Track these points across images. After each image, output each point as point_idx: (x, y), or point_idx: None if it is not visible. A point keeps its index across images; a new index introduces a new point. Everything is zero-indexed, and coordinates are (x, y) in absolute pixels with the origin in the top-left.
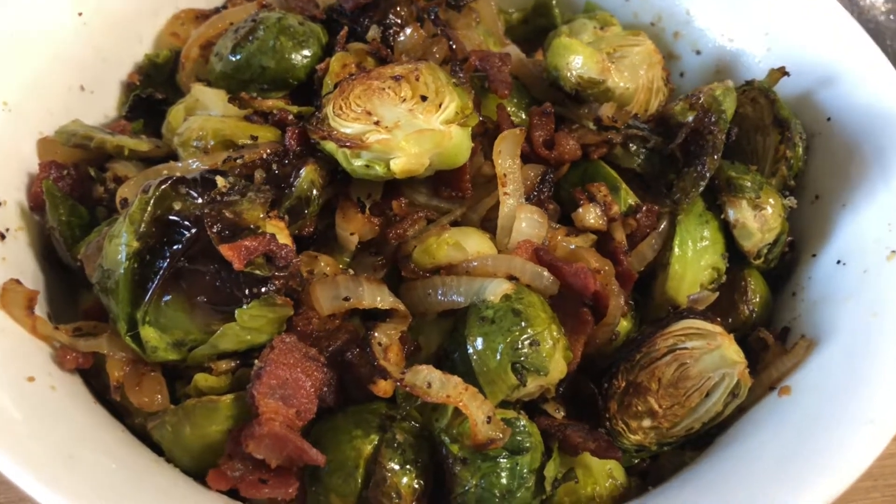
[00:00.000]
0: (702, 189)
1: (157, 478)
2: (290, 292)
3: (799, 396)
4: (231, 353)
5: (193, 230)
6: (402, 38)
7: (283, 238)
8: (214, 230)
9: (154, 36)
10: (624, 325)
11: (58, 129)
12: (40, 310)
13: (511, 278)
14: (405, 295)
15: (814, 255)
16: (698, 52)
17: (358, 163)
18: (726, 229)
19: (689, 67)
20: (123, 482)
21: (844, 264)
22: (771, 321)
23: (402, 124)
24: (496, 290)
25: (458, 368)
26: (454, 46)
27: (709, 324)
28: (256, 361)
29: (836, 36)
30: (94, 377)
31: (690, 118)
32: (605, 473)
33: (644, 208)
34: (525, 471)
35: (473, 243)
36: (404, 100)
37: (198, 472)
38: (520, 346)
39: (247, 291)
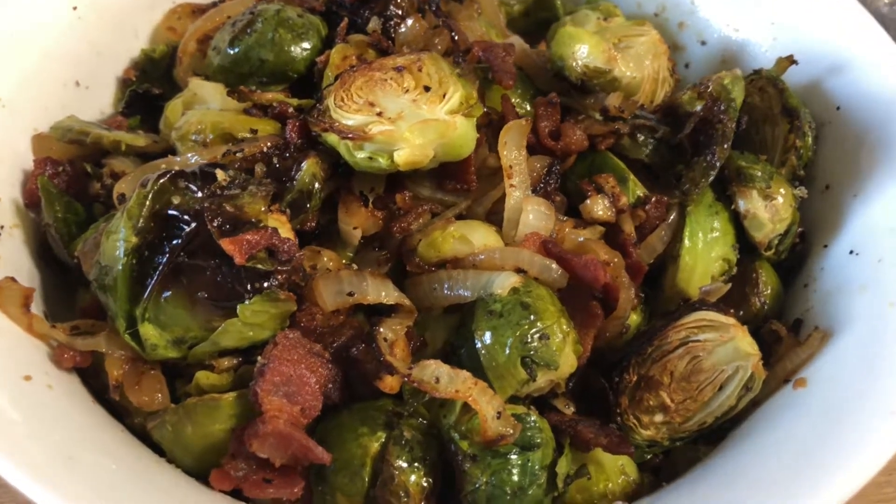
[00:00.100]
0: (712, 179)
1: (158, 478)
2: (293, 287)
3: (815, 389)
4: (233, 351)
5: (193, 225)
6: (403, 30)
7: (286, 232)
8: (215, 224)
9: (150, 30)
10: (634, 318)
11: (53, 125)
12: (36, 308)
13: (519, 271)
14: (410, 290)
15: (825, 246)
16: (703, 43)
17: (360, 155)
18: (736, 220)
19: (694, 58)
20: (124, 483)
21: (858, 254)
22: (783, 314)
23: (406, 115)
24: (504, 283)
25: (465, 364)
26: (456, 37)
27: (722, 315)
28: (259, 358)
29: (843, 23)
30: (92, 376)
31: (699, 107)
32: (617, 470)
33: (653, 199)
34: (536, 467)
35: (480, 236)
36: (407, 90)
37: (199, 473)
38: (529, 340)
39: (248, 286)
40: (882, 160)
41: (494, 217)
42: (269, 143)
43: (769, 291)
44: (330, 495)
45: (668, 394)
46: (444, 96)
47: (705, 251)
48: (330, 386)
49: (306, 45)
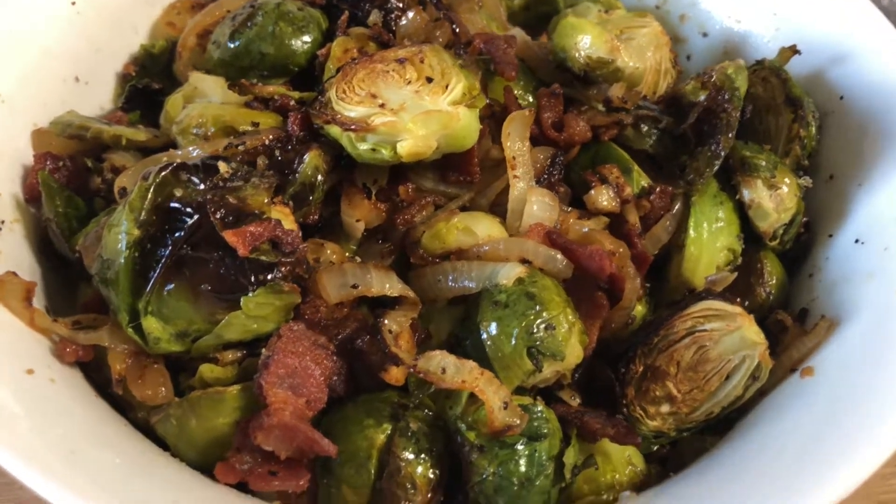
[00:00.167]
0: (716, 169)
1: (163, 471)
2: (297, 279)
3: (821, 378)
4: (237, 344)
5: (196, 217)
6: (404, 23)
7: (289, 224)
8: (218, 216)
9: (149, 26)
10: (639, 309)
11: (53, 120)
12: (37, 304)
13: (524, 262)
14: (414, 282)
15: (830, 236)
16: (705, 35)
17: (363, 147)
18: (741, 210)
19: (695, 50)
20: (129, 476)
21: (863, 243)
22: (788, 304)
23: (409, 106)
24: (509, 273)
25: (470, 356)
26: (457, 30)
27: (728, 305)
28: (264, 350)
29: (845, 13)
30: (94, 371)
31: (702, 97)
32: (624, 461)
33: (658, 189)
34: (544, 457)
35: (484, 227)
36: (409, 82)
37: (204, 467)
38: (535, 331)
39: (252, 278)
40: (886, 149)
41: (498, 209)
42: (270, 136)
43: (774, 282)
44: (336, 488)
45: (674, 384)
46: (446, 87)
47: (710, 241)
48: (335, 378)
49: (307, 38)
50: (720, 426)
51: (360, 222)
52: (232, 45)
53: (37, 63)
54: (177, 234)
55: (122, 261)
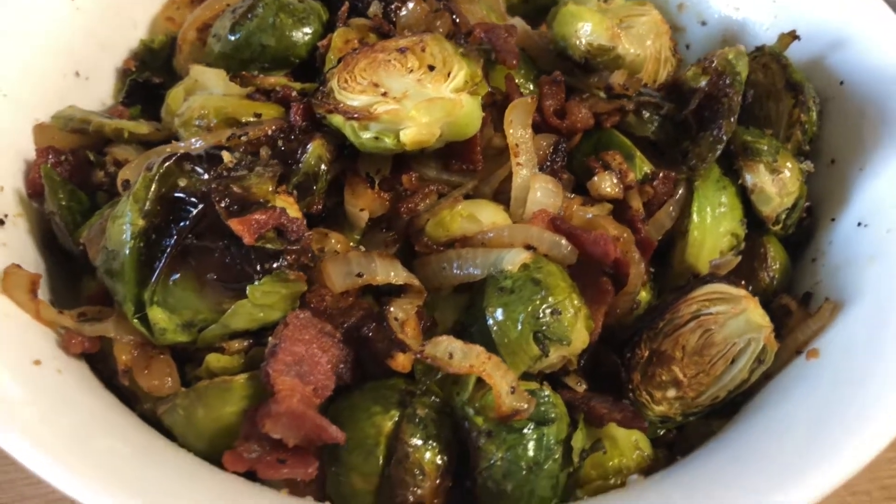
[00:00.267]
0: (718, 153)
1: (173, 460)
2: (302, 268)
3: (826, 360)
4: (243, 333)
5: (200, 206)
6: (404, 13)
7: (294, 212)
8: (223, 205)
9: (149, 21)
10: (643, 295)
11: (54, 114)
12: (42, 298)
13: (528, 248)
14: (419, 270)
15: (833, 220)
16: (704, 23)
17: (366, 135)
18: (743, 195)
19: (694, 39)
20: (139, 465)
21: (866, 226)
22: (791, 289)
23: (411, 94)
24: (514, 259)
25: (476, 343)
26: (457, 20)
27: (733, 287)
28: (270, 338)
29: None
30: (100, 362)
31: (703, 83)
32: (631, 445)
33: (661, 175)
34: (552, 441)
35: (488, 214)
36: (411, 70)
37: (212, 457)
38: (541, 316)
39: (258, 267)
40: (887, 133)
41: (501, 197)
42: (273, 127)
43: (777, 266)
44: (344, 475)
45: (680, 368)
46: (448, 75)
47: (714, 226)
48: (342, 366)
49: (307, 29)
50: (726, 410)
51: (364, 212)
52: (233, 38)
53: (37, 58)
54: (182, 224)
55: (127, 251)
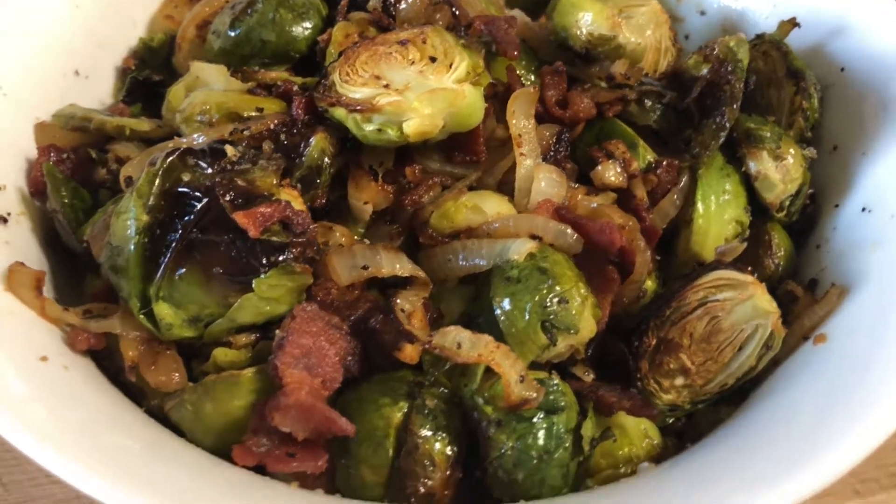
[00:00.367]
0: (722, 141)
1: (182, 455)
2: (308, 261)
3: (833, 345)
4: (249, 327)
5: (205, 200)
6: (403, 7)
7: (298, 205)
8: (227, 198)
9: (148, 19)
10: (649, 284)
11: (55, 113)
12: (46, 295)
13: (534, 238)
14: (424, 262)
15: (836, 206)
16: (703, 13)
17: (369, 128)
18: (747, 182)
19: (693, 29)
20: (148, 460)
21: (870, 211)
22: (796, 275)
23: (413, 86)
24: (520, 248)
25: (483, 333)
26: (457, 13)
27: (740, 274)
28: (278, 331)
29: None
30: (106, 359)
31: (705, 70)
32: (640, 434)
33: (664, 163)
34: (562, 430)
35: (492, 205)
36: (413, 62)
37: (221, 451)
38: (548, 305)
39: (264, 260)
40: (889, 118)
41: (505, 188)
42: (276, 121)
43: (782, 253)
44: (354, 468)
45: (688, 356)
46: (450, 66)
47: (718, 214)
48: (349, 358)
49: (307, 24)
50: (735, 397)
51: (368, 205)
52: (232, 34)
53: (37, 57)
54: (186, 219)
55: (132, 247)
